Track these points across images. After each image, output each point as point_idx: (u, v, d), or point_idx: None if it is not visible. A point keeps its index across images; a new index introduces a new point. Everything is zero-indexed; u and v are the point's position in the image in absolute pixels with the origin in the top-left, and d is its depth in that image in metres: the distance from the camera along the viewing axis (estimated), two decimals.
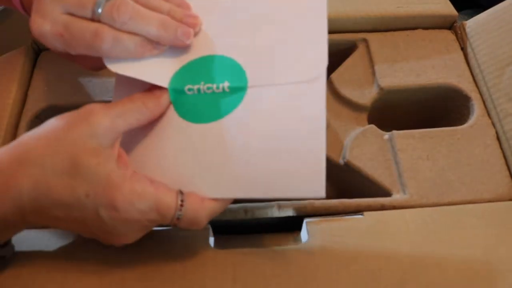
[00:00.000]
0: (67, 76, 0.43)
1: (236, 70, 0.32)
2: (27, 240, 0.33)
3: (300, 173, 0.29)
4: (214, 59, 0.32)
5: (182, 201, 0.28)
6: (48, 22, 0.29)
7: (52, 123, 0.28)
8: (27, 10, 0.37)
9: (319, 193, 0.28)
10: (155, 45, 0.31)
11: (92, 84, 0.42)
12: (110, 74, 0.32)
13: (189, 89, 0.32)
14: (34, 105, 0.42)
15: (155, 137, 0.32)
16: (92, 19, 0.30)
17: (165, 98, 0.31)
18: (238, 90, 0.31)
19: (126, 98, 0.29)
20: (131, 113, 0.29)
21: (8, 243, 0.31)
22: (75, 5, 0.29)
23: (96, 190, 0.26)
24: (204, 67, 0.32)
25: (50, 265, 0.32)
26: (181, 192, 0.29)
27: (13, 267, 0.31)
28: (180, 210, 0.28)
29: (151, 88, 0.31)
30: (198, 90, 0.32)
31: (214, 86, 0.31)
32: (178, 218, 0.28)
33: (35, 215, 0.27)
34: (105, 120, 0.27)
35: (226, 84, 0.31)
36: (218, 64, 0.32)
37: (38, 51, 0.45)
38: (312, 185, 0.28)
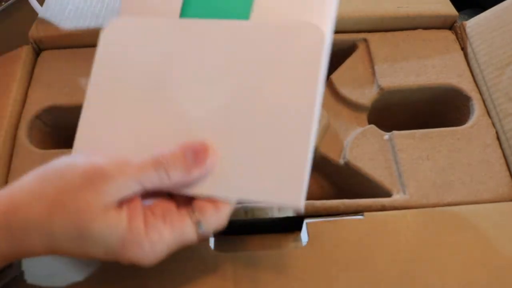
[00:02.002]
0: (67, 76, 0.43)
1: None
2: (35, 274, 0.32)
3: (279, 179, 0.27)
4: None
5: (199, 222, 0.27)
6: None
7: (51, 180, 0.26)
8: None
9: (296, 204, 0.27)
10: None
11: None
12: None
13: None
14: (34, 105, 0.41)
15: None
16: None
17: (195, 174, 0.27)
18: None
19: (150, 159, 0.27)
20: (148, 180, 0.26)
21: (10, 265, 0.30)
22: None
23: (114, 250, 0.26)
24: None
25: None
26: (192, 211, 0.27)
27: None
28: (201, 229, 0.27)
29: (191, 152, 0.28)
30: None
31: None
32: (202, 231, 0.27)
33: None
34: (114, 188, 0.25)
35: None
36: None
37: (38, 51, 0.45)
38: (290, 193, 0.27)
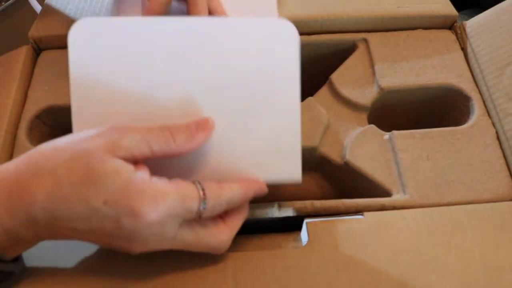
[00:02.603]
0: (67, 76, 0.43)
1: None
2: (39, 256, 0.32)
3: (278, 159, 0.31)
4: None
5: (203, 190, 0.28)
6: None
7: (70, 136, 0.28)
8: None
9: (296, 178, 0.31)
10: None
11: None
12: None
13: None
14: (34, 105, 0.42)
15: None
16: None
17: (200, 137, 0.29)
18: None
19: (157, 126, 0.28)
20: (156, 141, 0.28)
21: (18, 259, 0.30)
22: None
23: (115, 197, 0.25)
24: None
25: (64, 283, 0.31)
26: (198, 182, 0.28)
27: (24, 285, 0.31)
28: (204, 199, 0.28)
29: (194, 123, 0.30)
30: None
31: None
32: (203, 208, 0.28)
33: (49, 229, 0.27)
34: (124, 141, 0.27)
35: None
36: None
37: (38, 51, 0.45)
38: (290, 170, 0.31)
